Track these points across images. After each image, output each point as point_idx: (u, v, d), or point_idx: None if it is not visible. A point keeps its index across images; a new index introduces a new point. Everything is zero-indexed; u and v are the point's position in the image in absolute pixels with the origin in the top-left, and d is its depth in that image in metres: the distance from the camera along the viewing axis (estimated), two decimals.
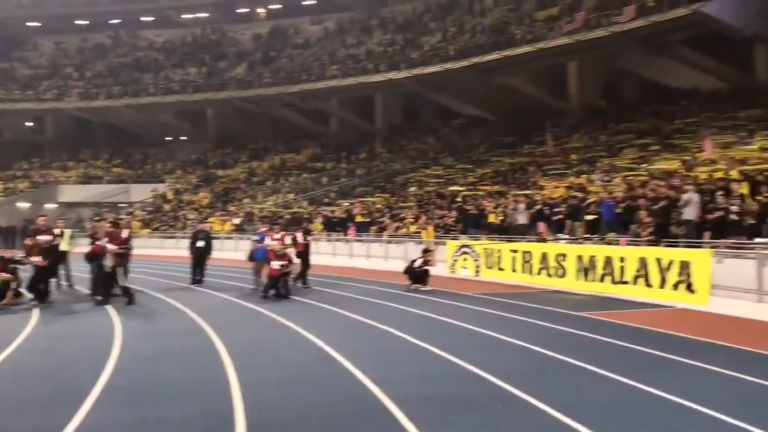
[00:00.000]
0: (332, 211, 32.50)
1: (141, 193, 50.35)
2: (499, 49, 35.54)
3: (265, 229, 18.34)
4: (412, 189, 35.58)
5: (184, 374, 8.23)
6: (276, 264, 15.49)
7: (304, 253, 17.92)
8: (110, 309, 13.81)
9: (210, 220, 36.24)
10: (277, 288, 15.41)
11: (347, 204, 34.59)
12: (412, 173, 39.40)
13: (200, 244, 19.08)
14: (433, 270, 17.75)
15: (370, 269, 23.28)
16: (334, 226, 29.71)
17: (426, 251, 18.24)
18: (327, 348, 9.50)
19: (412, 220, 26.39)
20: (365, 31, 49.80)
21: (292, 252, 16.89)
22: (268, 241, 16.69)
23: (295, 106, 48.75)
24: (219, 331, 10.97)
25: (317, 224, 23.81)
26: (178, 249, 30.27)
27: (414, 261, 17.70)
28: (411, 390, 7.27)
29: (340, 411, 6.65)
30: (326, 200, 39.20)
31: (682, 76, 34.47)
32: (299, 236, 18.19)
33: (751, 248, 13.66)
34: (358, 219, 28.96)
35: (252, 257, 17.33)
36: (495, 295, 15.84)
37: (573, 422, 6.03)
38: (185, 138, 57.87)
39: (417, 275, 17.16)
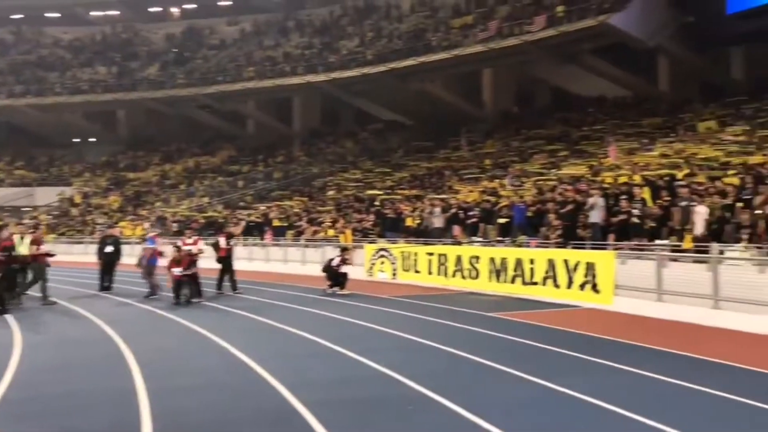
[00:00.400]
0: (249, 215, 32.01)
1: (47, 196, 48.09)
2: (415, 55, 36.02)
3: (154, 234, 18.08)
4: (331, 193, 35.53)
5: (89, 384, 7.92)
6: (176, 270, 15.12)
7: (227, 258, 17.62)
8: (9, 318, 13.13)
9: (120, 224, 35.00)
10: (179, 293, 15.05)
11: (264, 208, 34.18)
12: (330, 177, 39.36)
13: (109, 249, 18.41)
14: (350, 273, 17.76)
15: (287, 274, 23.06)
16: (251, 230, 29.26)
17: (344, 250, 18.29)
18: (239, 354, 9.34)
19: (330, 223, 26.34)
20: (282, 33, 49.41)
21: (212, 253, 16.69)
22: (159, 246, 16.62)
23: (210, 108, 47.80)
24: (128, 339, 10.61)
25: (240, 227, 23.34)
26: (86, 255, 29.05)
27: (332, 260, 17.69)
28: (324, 394, 7.25)
29: (252, 417, 6.56)
30: (242, 204, 38.60)
31: (590, 84, 35.94)
32: (222, 241, 17.86)
33: (651, 250, 14.33)
34: (276, 223, 28.65)
35: (140, 263, 17.09)
36: (411, 297, 16.01)
37: (484, 422, 6.14)
38: (94, 139, 55.71)
39: (335, 275, 17.12)
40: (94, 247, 21.23)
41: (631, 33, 28.03)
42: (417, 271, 19.40)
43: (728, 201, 14.57)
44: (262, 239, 27.92)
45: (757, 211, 13.55)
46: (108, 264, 18.41)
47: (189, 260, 15.48)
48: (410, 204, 25.20)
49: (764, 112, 25.08)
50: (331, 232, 25.11)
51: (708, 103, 29.74)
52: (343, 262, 17.40)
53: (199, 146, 51.19)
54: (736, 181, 15.83)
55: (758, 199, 13.81)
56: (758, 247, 12.78)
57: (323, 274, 17.51)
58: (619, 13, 27.94)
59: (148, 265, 16.78)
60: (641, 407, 6.45)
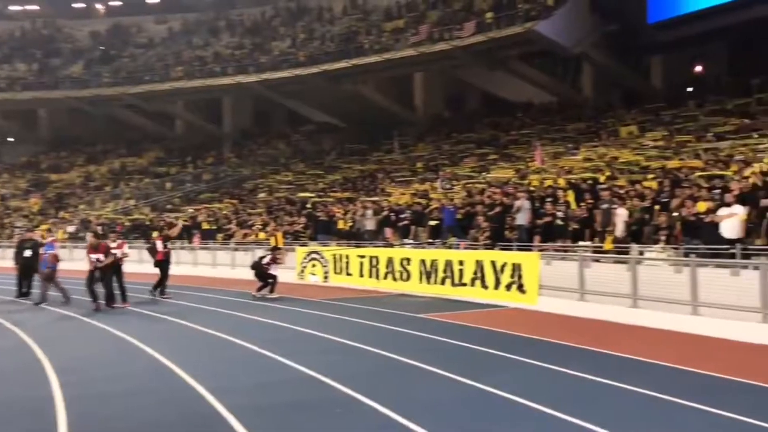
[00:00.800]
0: (177, 218, 31.27)
1: None
2: (347, 57, 35.98)
3: (53, 239, 17.70)
4: (262, 195, 35.08)
5: (3, 394, 7.58)
6: (94, 256, 14.65)
7: (164, 262, 17.22)
8: None
9: (41, 227, 33.60)
10: (93, 288, 14.62)
11: (192, 210, 33.47)
12: (261, 179, 38.86)
13: (27, 253, 17.62)
14: (282, 277, 17.59)
15: (216, 278, 22.67)
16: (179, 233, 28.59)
17: (275, 249, 18.12)
18: (163, 359, 9.13)
19: (260, 226, 26.02)
20: (212, 33, 48.49)
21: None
22: (55, 251, 16.40)
23: (137, 108, 46.45)
24: (45, 346, 10.20)
25: (177, 229, 22.67)
26: (3, 259, 27.76)
27: (262, 257, 17.47)
28: (249, 399, 7.16)
29: (175, 423, 6.43)
30: (170, 206, 37.70)
31: (518, 89, 36.73)
32: (159, 244, 17.45)
33: (575, 251, 14.77)
34: (204, 226, 28.10)
35: (38, 269, 16.62)
36: (342, 300, 16.00)
37: (411, 423, 6.19)
38: (13, 139, 53.31)
39: (263, 275, 16.88)
40: (11, 252, 20.34)
41: (556, 40, 28.79)
42: (349, 274, 19.39)
43: (647, 204, 15.15)
44: (189, 242, 27.33)
45: (674, 214, 14.14)
46: (26, 269, 17.64)
47: (106, 248, 14.99)
48: (342, 206, 25.16)
49: (681, 118, 26.19)
50: (261, 235, 24.80)
51: (629, 109, 30.81)
52: (274, 261, 17.19)
53: (126, 147, 49.66)
54: (654, 184, 16.47)
55: (675, 202, 14.42)
56: (674, 248, 13.33)
57: (252, 272, 17.25)
58: (545, 21, 28.65)
59: (47, 270, 16.12)
60: (565, 405, 6.63)
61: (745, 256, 11.62)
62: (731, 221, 12.35)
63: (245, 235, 25.94)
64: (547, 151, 25.52)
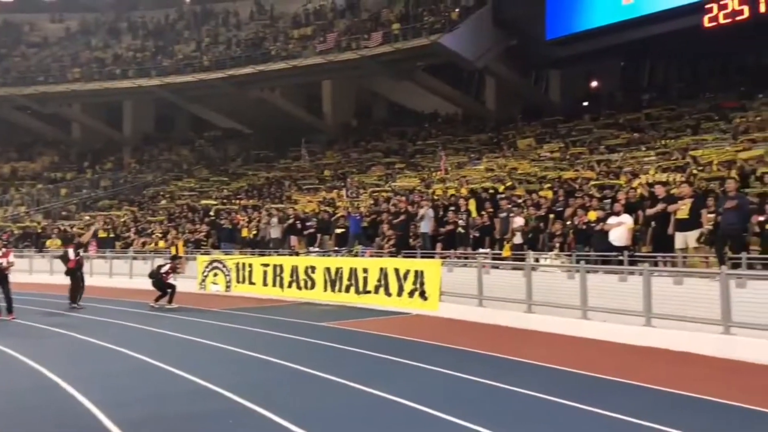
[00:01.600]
0: (71, 226, 29.86)
1: None
2: (254, 63, 35.51)
3: None
4: (163, 202, 34.05)
5: None
6: None
7: (76, 271, 16.40)
8: None
9: None
10: None
11: (88, 218, 32.05)
12: (163, 185, 37.72)
13: None
14: (182, 287, 17.09)
15: (112, 288, 21.77)
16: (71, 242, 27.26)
17: (174, 257, 17.59)
18: (49, 374, 8.66)
19: (160, 235, 25.21)
20: (113, 35, 46.72)
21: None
22: None
23: (30, 110, 44.08)
24: None
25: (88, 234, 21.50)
26: None
27: (161, 266, 16.89)
28: (140, 412, 6.89)
29: None
30: (65, 213, 35.95)
31: (424, 100, 37.39)
32: (70, 252, 16.60)
33: (475, 258, 15.11)
34: (101, 234, 26.90)
35: None
36: (244, 309, 15.71)
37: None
38: None
39: (161, 284, 16.33)
40: None
41: (460, 53, 29.45)
42: (252, 283, 19.08)
43: (543, 213, 15.71)
44: (85, 251, 26.08)
45: (567, 222, 14.74)
46: None
47: None
48: (247, 214, 24.76)
49: (577, 131, 27.39)
50: (161, 243, 24.04)
51: (529, 121, 31.99)
52: (174, 270, 16.68)
53: (17, 151, 46.95)
54: (550, 194, 17.12)
55: (568, 211, 15.03)
56: (567, 255, 13.88)
57: (150, 282, 16.68)
58: (449, 34, 29.27)
59: None
60: (458, 409, 6.74)
61: (632, 263, 12.25)
62: (619, 230, 12.98)
63: (144, 244, 25.07)
64: (451, 161, 26.07)
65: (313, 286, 17.21)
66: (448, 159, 25.53)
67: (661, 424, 6.13)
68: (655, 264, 12.25)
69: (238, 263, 19.64)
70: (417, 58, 31.48)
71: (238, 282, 19.42)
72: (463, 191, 19.81)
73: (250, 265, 19.24)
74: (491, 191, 19.02)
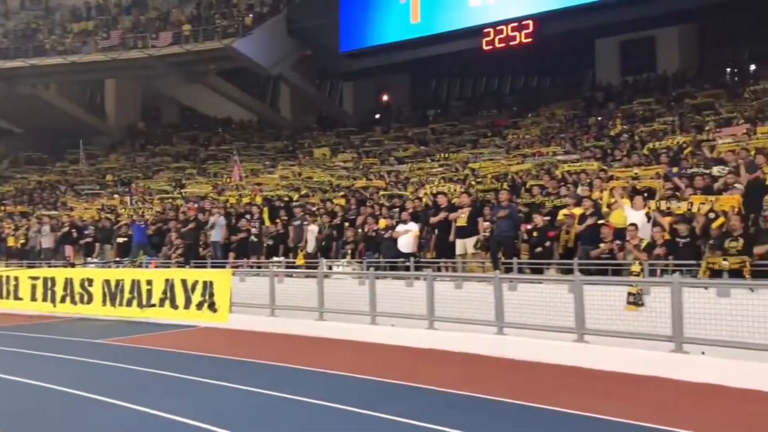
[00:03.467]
0: None
1: None
2: (25, 56, 32.24)
3: None
4: None
5: None
6: None
7: None
8: None
9: None
10: None
11: None
12: None
13: None
14: None
15: None
16: None
17: None
18: None
19: None
20: None
21: None
22: None
23: None
24: None
25: None
26: None
27: None
28: None
29: None
30: None
31: (218, 105, 36.38)
32: None
33: (268, 267, 14.86)
34: None
35: None
36: (8, 329, 14.10)
37: None
38: None
39: None
40: None
41: (253, 59, 29.04)
42: (18, 298, 17.22)
43: (337, 221, 15.88)
44: None
45: (359, 230, 15.02)
46: None
47: None
48: (14, 222, 22.29)
49: (369, 143, 28.25)
50: None
51: (324, 131, 32.44)
52: None
53: None
54: (343, 202, 17.37)
55: (359, 219, 15.33)
56: (358, 262, 14.13)
57: None
58: (243, 39, 28.80)
59: None
60: (242, 423, 6.52)
61: (418, 269, 12.76)
62: (406, 237, 13.47)
63: None
64: (246, 168, 25.56)
65: (90, 301, 15.89)
66: (242, 165, 25.01)
67: (440, 424, 6.35)
68: (438, 269, 12.87)
69: (1, 276, 17.57)
70: (209, 62, 30.56)
71: (1, 297, 17.37)
72: (257, 199, 19.45)
73: (16, 278, 17.34)
74: (285, 199, 18.89)
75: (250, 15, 30.86)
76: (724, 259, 8.96)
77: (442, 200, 13.84)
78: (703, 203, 10.27)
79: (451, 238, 13.07)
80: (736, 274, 8.81)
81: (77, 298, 16.09)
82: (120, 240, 18.54)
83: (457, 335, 10.33)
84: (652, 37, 27.38)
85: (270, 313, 13.24)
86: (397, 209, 15.10)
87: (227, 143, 32.61)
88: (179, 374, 8.93)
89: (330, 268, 14.09)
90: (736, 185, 10.88)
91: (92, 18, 35.49)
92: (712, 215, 10.01)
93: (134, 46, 31.00)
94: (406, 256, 13.26)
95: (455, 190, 15.40)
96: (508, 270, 11.42)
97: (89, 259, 18.92)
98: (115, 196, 25.33)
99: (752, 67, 25.01)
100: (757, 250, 8.98)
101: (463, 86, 35.47)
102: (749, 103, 19.03)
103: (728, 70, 26.21)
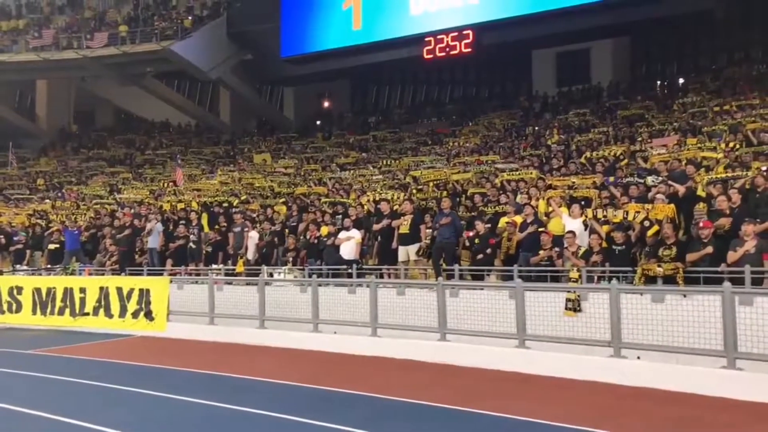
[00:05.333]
0: None
1: None
2: None
3: None
4: None
5: None
6: None
7: None
8: None
9: None
10: None
11: None
12: None
13: None
14: None
15: None
16: None
17: None
18: None
19: None
20: None
21: None
22: None
23: None
24: None
25: None
26: None
27: None
28: None
29: None
30: None
31: (156, 108, 35.54)
32: None
33: (207, 274, 14.57)
34: None
35: None
36: None
37: None
38: None
39: None
40: None
41: (192, 62, 28.55)
42: None
43: (278, 227, 15.70)
44: None
45: (300, 237, 14.89)
46: None
47: None
48: None
49: (310, 149, 28.06)
50: None
51: (265, 136, 32.09)
52: None
53: None
54: (284, 209, 17.19)
55: (301, 226, 15.20)
56: (300, 269, 14.01)
57: None
58: (181, 42, 28.29)
59: None
60: None
61: (360, 276, 12.74)
62: (349, 244, 13.42)
63: None
64: (184, 173, 25.03)
65: (19, 309, 15.27)
66: (184, 170, 24.51)
67: None
68: (381, 276, 12.86)
69: None
70: (146, 64, 29.89)
71: None
72: (194, 204, 19.06)
73: None
74: (225, 205, 18.58)
75: (189, 17, 30.40)
76: (659, 266, 9.25)
77: (384, 207, 13.86)
78: (639, 212, 10.58)
79: (394, 245, 13.11)
80: (669, 280, 9.11)
81: (5, 306, 15.45)
82: (51, 246, 17.90)
83: (400, 342, 10.35)
84: (587, 49, 28.19)
85: (209, 321, 12.99)
86: (339, 216, 15.06)
87: (164, 147, 31.95)
88: (115, 385, 8.65)
89: (271, 275, 13.93)
90: (657, 195, 11.23)
91: (23, 16, 34.25)
92: (647, 223, 10.32)
93: (69, 46, 30.03)
94: (349, 263, 13.23)
95: (397, 198, 15.45)
96: (450, 277, 11.51)
97: (18, 266, 18.20)
98: (46, 201, 24.43)
99: (681, 80, 25.99)
100: (690, 257, 9.31)
101: (403, 94, 35.71)
102: (679, 115, 19.78)
103: (658, 82, 27.24)
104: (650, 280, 9.36)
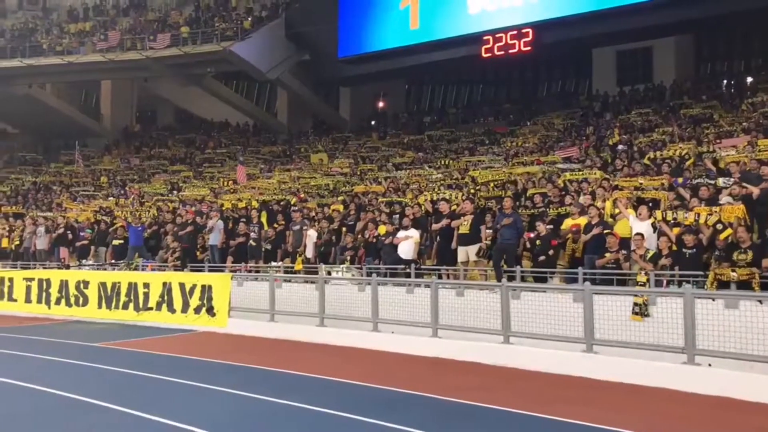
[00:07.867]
0: None
1: None
2: (21, 56, 32.01)
3: None
4: None
5: None
6: None
7: None
8: None
9: None
10: None
11: None
12: None
13: None
14: None
15: None
16: None
17: None
18: None
19: None
20: None
21: None
22: None
23: None
24: None
25: None
26: None
27: None
28: None
29: None
30: None
31: (215, 108, 36.21)
32: None
33: (267, 272, 14.74)
34: None
35: None
36: (2, 330, 13.84)
37: None
38: None
39: None
40: None
41: (251, 63, 28.96)
42: (12, 300, 17.02)
43: (335, 226, 15.78)
44: None
45: (358, 236, 14.93)
46: None
47: None
48: (8, 223, 22.06)
49: (365, 148, 28.14)
50: None
51: (321, 136, 32.34)
52: None
53: None
54: (341, 207, 17.27)
55: (360, 225, 15.24)
56: (358, 268, 14.03)
57: None
58: (241, 43, 28.72)
59: None
60: (233, 429, 6.44)
61: (418, 276, 12.67)
62: (407, 243, 13.37)
63: None
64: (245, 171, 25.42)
65: (85, 303, 15.71)
66: (247, 168, 24.93)
67: None
68: (439, 276, 12.75)
69: None
70: (207, 64, 30.41)
71: None
72: (254, 203, 19.32)
73: (11, 279, 17.14)
74: (283, 203, 18.78)
75: (249, 19, 30.80)
76: (733, 271, 8.91)
77: (443, 207, 13.75)
78: (710, 214, 10.22)
79: (454, 245, 12.99)
80: (744, 285, 8.76)
81: (72, 300, 15.92)
82: (116, 242, 18.40)
83: (461, 343, 10.23)
84: (649, 47, 27.49)
85: (270, 318, 13.11)
86: (396, 215, 15.02)
87: (223, 147, 32.51)
88: (177, 379, 8.79)
89: (329, 273, 13.99)
90: (726, 198, 10.83)
91: (90, 19, 35.35)
92: (719, 226, 9.96)
93: (132, 47, 30.83)
94: (407, 262, 13.18)
95: (456, 197, 15.31)
96: (511, 278, 11.34)
97: (84, 261, 18.75)
98: (110, 198, 25.14)
99: (749, 79, 25.08)
100: (766, 262, 8.93)
101: (459, 93, 35.48)
102: (749, 115, 19.07)
103: (724, 81, 26.34)
104: (722, 284, 9.02)
